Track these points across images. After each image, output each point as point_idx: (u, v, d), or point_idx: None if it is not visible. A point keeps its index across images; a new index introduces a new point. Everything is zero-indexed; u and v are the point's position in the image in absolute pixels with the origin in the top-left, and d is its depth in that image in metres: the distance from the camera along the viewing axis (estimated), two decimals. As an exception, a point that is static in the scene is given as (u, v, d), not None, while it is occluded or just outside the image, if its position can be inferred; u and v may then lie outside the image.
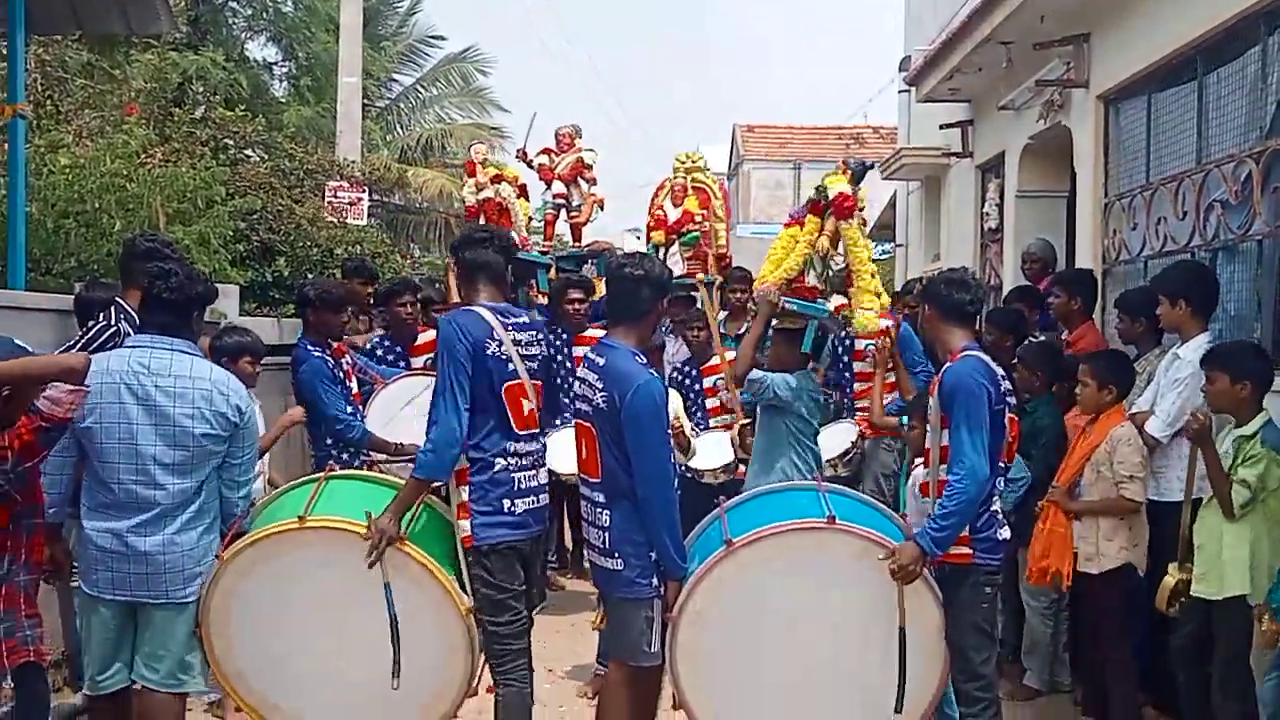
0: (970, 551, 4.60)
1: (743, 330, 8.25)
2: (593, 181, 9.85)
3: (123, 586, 4.36)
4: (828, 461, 6.57)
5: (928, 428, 4.90)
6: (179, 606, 4.43)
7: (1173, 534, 5.29)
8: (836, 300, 6.29)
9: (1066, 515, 5.67)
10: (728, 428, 7.11)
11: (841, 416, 7.30)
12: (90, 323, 5.65)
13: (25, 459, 3.85)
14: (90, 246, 8.01)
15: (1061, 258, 9.10)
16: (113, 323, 5.52)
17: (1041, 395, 6.35)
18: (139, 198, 8.22)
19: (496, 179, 9.22)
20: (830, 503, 4.65)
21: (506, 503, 4.64)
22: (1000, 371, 4.78)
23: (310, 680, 4.63)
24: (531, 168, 9.85)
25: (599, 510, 4.62)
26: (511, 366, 4.64)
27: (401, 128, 25.48)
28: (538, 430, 4.82)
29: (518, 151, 10.05)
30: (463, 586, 4.60)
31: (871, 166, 6.89)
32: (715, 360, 7.61)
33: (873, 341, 6.85)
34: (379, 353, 7.72)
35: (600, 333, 5.54)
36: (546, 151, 9.87)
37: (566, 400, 7.75)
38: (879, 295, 6.24)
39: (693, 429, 7.04)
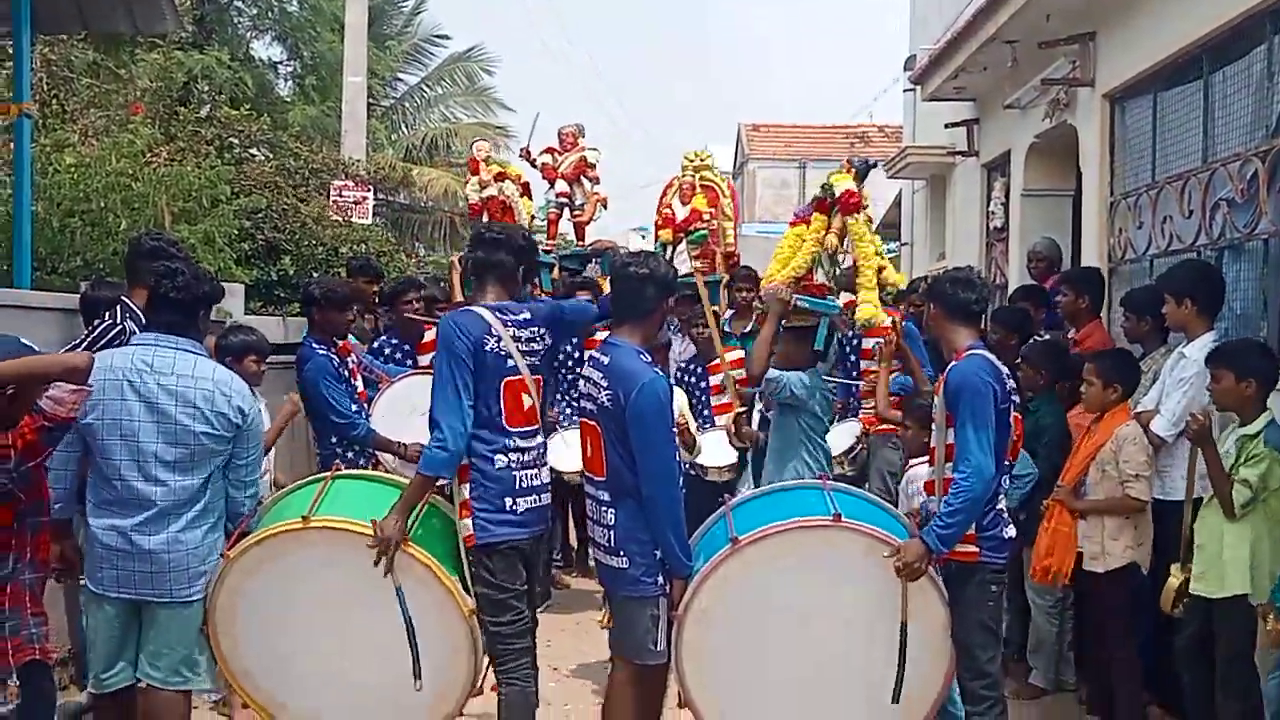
0: (977, 550, 4.59)
1: (749, 329, 8.26)
2: (596, 180, 9.86)
3: (127, 584, 4.37)
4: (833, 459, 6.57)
5: (933, 426, 4.90)
6: (183, 605, 4.44)
7: (1177, 533, 5.28)
8: (846, 297, 6.30)
9: (1072, 514, 5.68)
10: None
11: (848, 415, 7.30)
12: (96, 322, 5.65)
13: (28, 458, 3.86)
14: (96, 245, 8.01)
15: (1067, 257, 9.10)
16: (118, 321, 5.53)
17: (1044, 394, 6.34)
18: (144, 197, 8.22)
19: (500, 177, 9.23)
20: (836, 501, 4.65)
21: (508, 501, 4.63)
22: (1005, 370, 4.78)
23: (315, 680, 4.64)
24: (535, 167, 9.85)
25: (604, 509, 4.62)
26: (511, 362, 4.64)
27: (406, 127, 25.50)
28: (538, 427, 4.82)
29: (521, 151, 10.06)
30: (466, 587, 4.61)
31: (875, 165, 6.91)
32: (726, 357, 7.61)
33: (879, 340, 6.86)
34: (386, 351, 7.72)
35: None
36: (550, 151, 9.87)
37: (570, 399, 7.84)
38: (886, 286, 6.25)
39: (698, 427, 7.05)
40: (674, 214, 9.49)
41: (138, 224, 7.89)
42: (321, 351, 6.68)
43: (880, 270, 6.28)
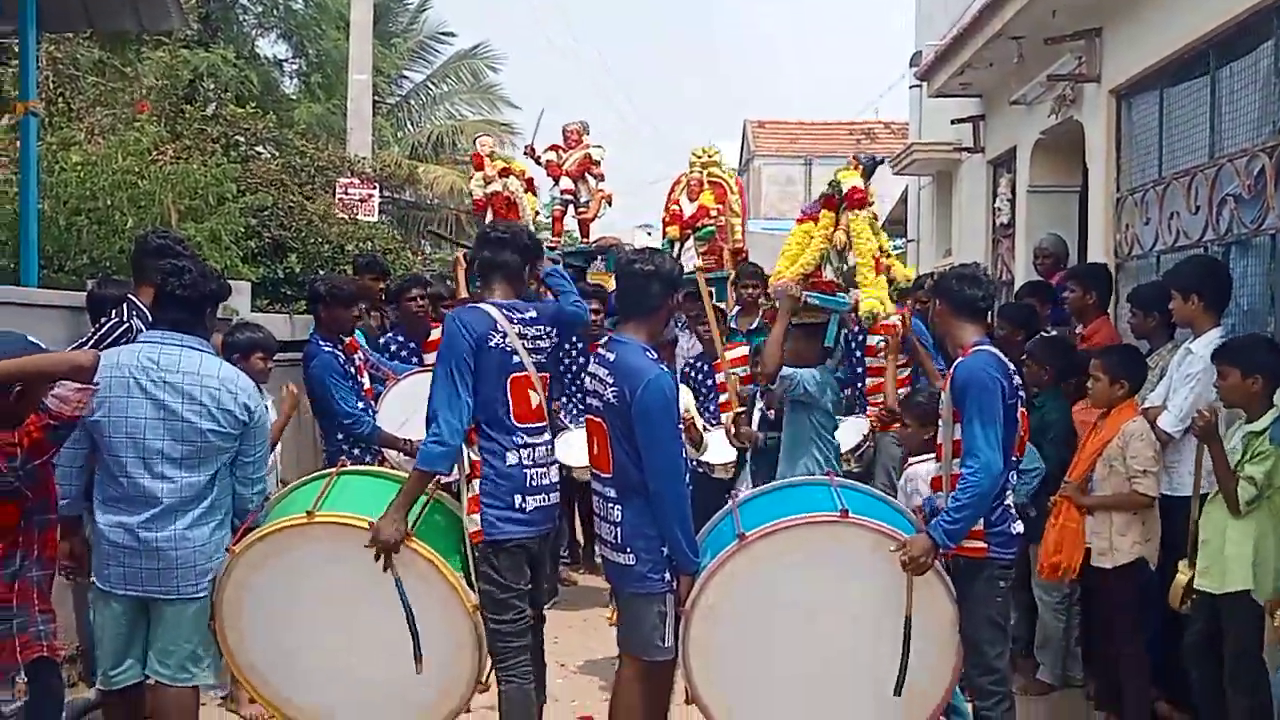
0: (985, 545, 4.59)
1: (754, 325, 8.26)
2: (600, 177, 9.87)
3: (134, 582, 4.38)
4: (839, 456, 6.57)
5: (940, 422, 4.90)
6: (190, 601, 4.45)
7: (1185, 529, 5.28)
8: (855, 294, 6.30)
9: (1079, 510, 5.67)
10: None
11: (854, 411, 7.29)
12: (102, 319, 5.67)
13: (34, 456, 3.86)
14: (102, 243, 8.02)
15: (1073, 253, 9.08)
16: (125, 319, 5.55)
17: (1048, 390, 6.34)
18: (151, 195, 8.23)
19: (504, 173, 9.24)
20: (843, 496, 4.65)
21: (517, 499, 4.65)
22: (1012, 366, 4.78)
23: (321, 675, 4.66)
24: (539, 164, 9.86)
25: (611, 505, 4.62)
26: (517, 359, 4.65)
27: (412, 124, 25.52)
28: (545, 424, 4.83)
29: (526, 148, 10.08)
30: (470, 583, 4.61)
31: (882, 161, 6.89)
32: (727, 355, 7.60)
33: (885, 336, 6.85)
34: (392, 348, 7.73)
35: None
36: (554, 148, 9.88)
37: (575, 397, 7.84)
38: (895, 282, 6.24)
39: (704, 424, 7.05)
40: (681, 211, 9.50)
41: (144, 222, 7.90)
42: (328, 349, 6.70)
43: (888, 268, 6.27)
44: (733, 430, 6.57)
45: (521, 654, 4.70)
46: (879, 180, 6.66)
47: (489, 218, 9.24)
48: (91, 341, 5.36)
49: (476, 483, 4.63)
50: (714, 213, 9.44)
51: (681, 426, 4.74)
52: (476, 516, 4.62)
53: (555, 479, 4.85)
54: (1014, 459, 4.76)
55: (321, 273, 9.90)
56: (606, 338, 4.87)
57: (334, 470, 5.02)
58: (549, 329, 4.83)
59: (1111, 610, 5.74)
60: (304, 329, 7.97)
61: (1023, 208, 10.47)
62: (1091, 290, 7.02)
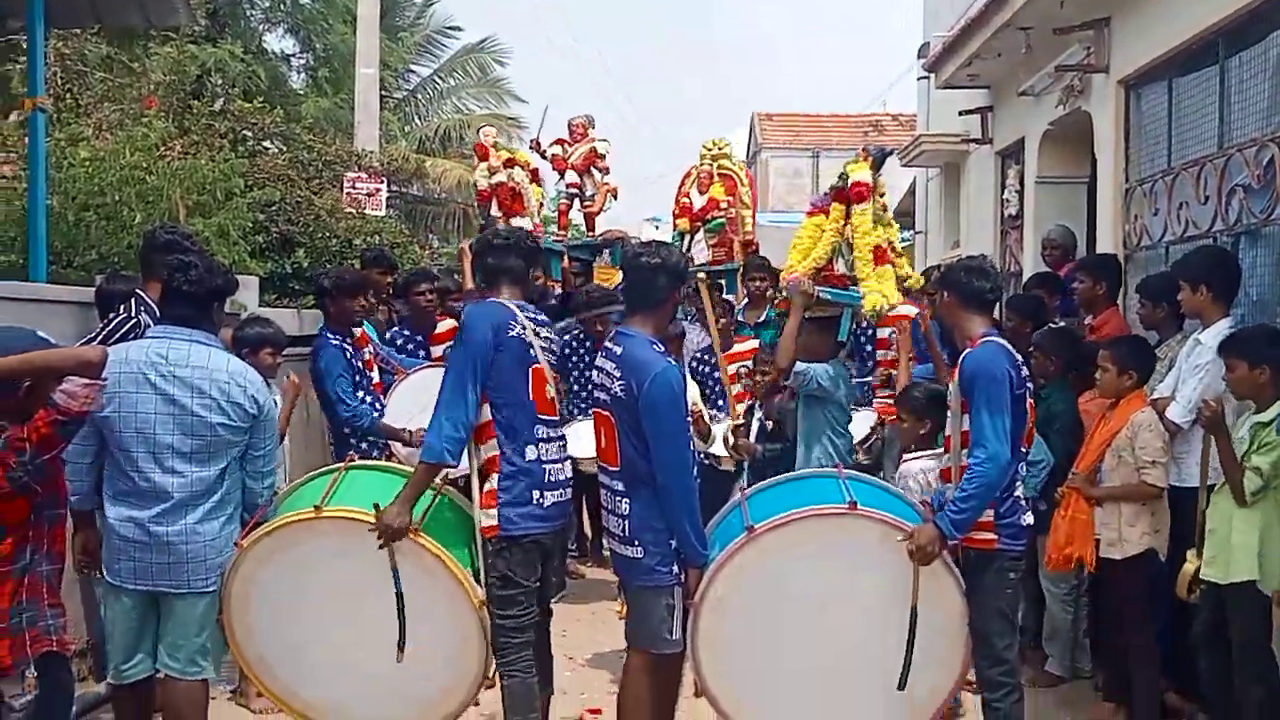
0: (995, 537, 4.59)
1: (762, 319, 8.25)
2: (606, 171, 9.85)
3: (145, 576, 4.40)
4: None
5: (948, 414, 4.89)
6: (200, 595, 4.47)
7: (1193, 520, 5.27)
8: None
9: (1088, 501, 5.66)
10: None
11: (862, 404, 7.28)
12: (110, 315, 5.68)
13: (43, 451, 3.87)
14: (111, 239, 8.02)
15: (1082, 244, 9.06)
16: (133, 315, 5.55)
17: (1054, 381, 6.32)
18: (159, 190, 8.23)
19: (509, 163, 9.21)
20: (851, 489, 4.65)
21: (535, 494, 4.66)
22: (1020, 357, 4.77)
23: (328, 669, 4.67)
24: (545, 158, 9.84)
25: (618, 498, 4.62)
26: (533, 352, 4.68)
27: (419, 118, 25.50)
28: (559, 419, 4.85)
29: (531, 142, 10.05)
30: (477, 578, 4.62)
31: (891, 153, 6.87)
32: (736, 348, 7.60)
33: (894, 329, 6.84)
34: (399, 342, 7.74)
35: None
36: (560, 142, 9.86)
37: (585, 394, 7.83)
38: (906, 278, 6.24)
39: (712, 416, 7.04)
40: (691, 203, 9.48)
41: (152, 217, 7.90)
42: (335, 342, 6.71)
43: (894, 261, 6.26)
44: (730, 441, 6.54)
45: (524, 649, 4.71)
46: (888, 172, 6.65)
47: (494, 208, 9.23)
48: (100, 337, 5.37)
49: (495, 477, 4.64)
50: (724, 205, 9.41)
51: (689, 419, 4.74)
52: (493, 511, 4.62)
53: (569, 474, 4.87)
54: (1023, 450, 4.75)
55: (329, 267, 9.90)
56: (614, 331, 4.88)
57: (342, 465, 5.04)
58: (553, 332, 4.88)
59: (1121, 601, 5.73)
60: (312, 324, 7.99)
61: (1031, 199, 10.45)
62: (1101, 281, 7.00)
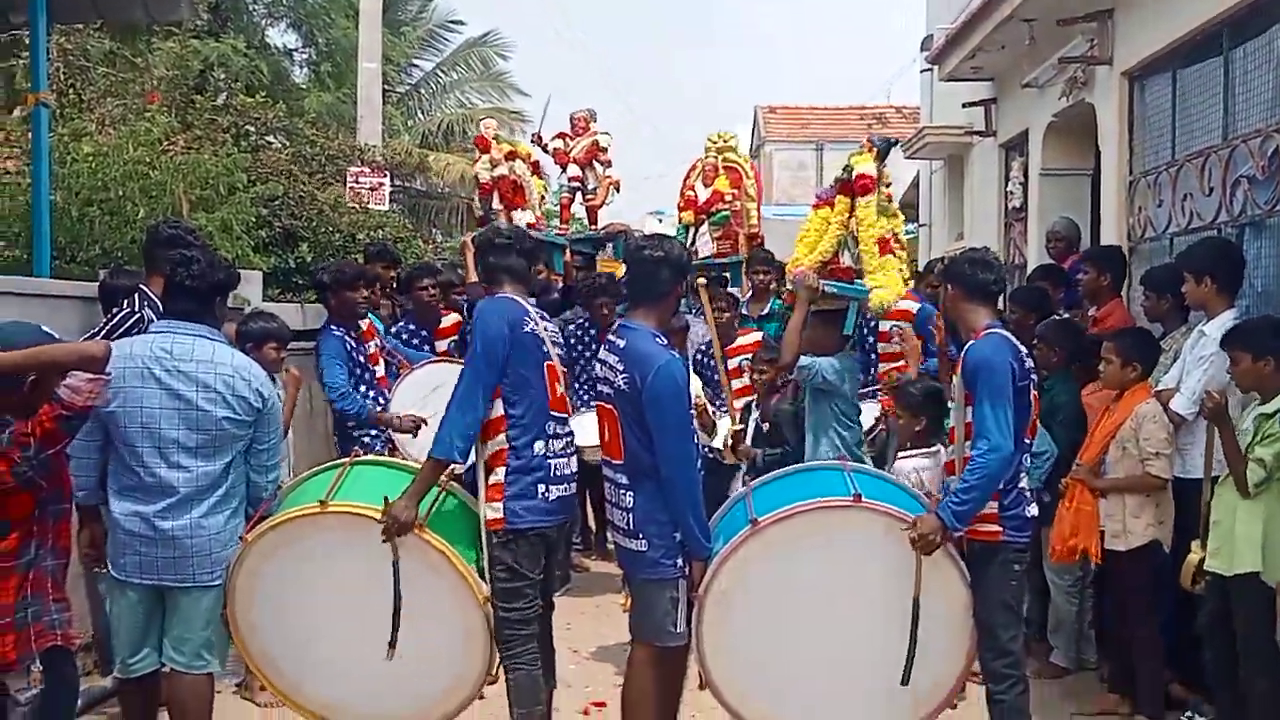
0: (999, 529, 4.58)
1: (765, 312, 8.25)
2: (608, 164, 9.85)
3: (150, 570, 4.41)
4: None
5: (950, 405, 4.89)
6: (206, 589, 4.48)
7: (1198, 511, 5.27)
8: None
9: (1092, 493, 5.66)
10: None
11: (866, 397, 7.27)
12: (114, 310, 5.69)
13: (47, 446, 3.88)
14: (114, 234, 8.03)
15: (1086, 236, 9.05)
16: (136, 309, 5.56)
17: (1057, 372, 6.31)
18: (162, 185, 8.24)
19: (511, 156, 9.20)
20: (856, 481, 4.65)
21: (541, 488, 4.66)
22: (1024, 349, 4.76)
23: (333, 664, 4.66)
24: (547, 152, 9.84)
25: (622, 492, 4.62)
26: (545, 348, 4.69)
27: (422, 113, 25.47)
28: (567, 415, 4.86)
29: (533, 136, 10.06)
30: (481, 573, 4.62)
31: (896, 143, 6.86)
32: (740, 340, 7.60)
33: (898, 323, 6.82)
34: (403, 336, 7.74)
35: None
36: (562, 135, 9.86)
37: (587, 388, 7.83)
38: (901, 272, 6.22)
39: (715, 410, 7.04)
40: (696, 196, 9.48)
41: (156, 212, 7.91)
42: (337, 333, 6.72)
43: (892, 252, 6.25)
44: (729, 446, 6.52)
45: (529, 642, 4.71)
46: (891, 164, 6.63)
47: (495, 201, 9.22)
48: (103, 332, 5.38)
49: (501, 470, 4.64)
50: (729, 197, 9.41)
51: (693, 412, 4.74)
52: (498, 504, 4.63)
53: (575, 469, 4.88)
54: (1027, 442, 4.75)
55: (332, 261, 9.91)
56: (617, 324, 4.87)
57: (347, 460, 5.04)
58: (557, 328, 4.89)
59: (1125, 593, 5.74)
60: (316, 318, 7.99)
61: (1035, 191, 10.43)
62: (1105, 272, 7.00)
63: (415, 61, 25.64)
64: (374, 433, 6.82)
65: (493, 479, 4.65)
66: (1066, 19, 8.56)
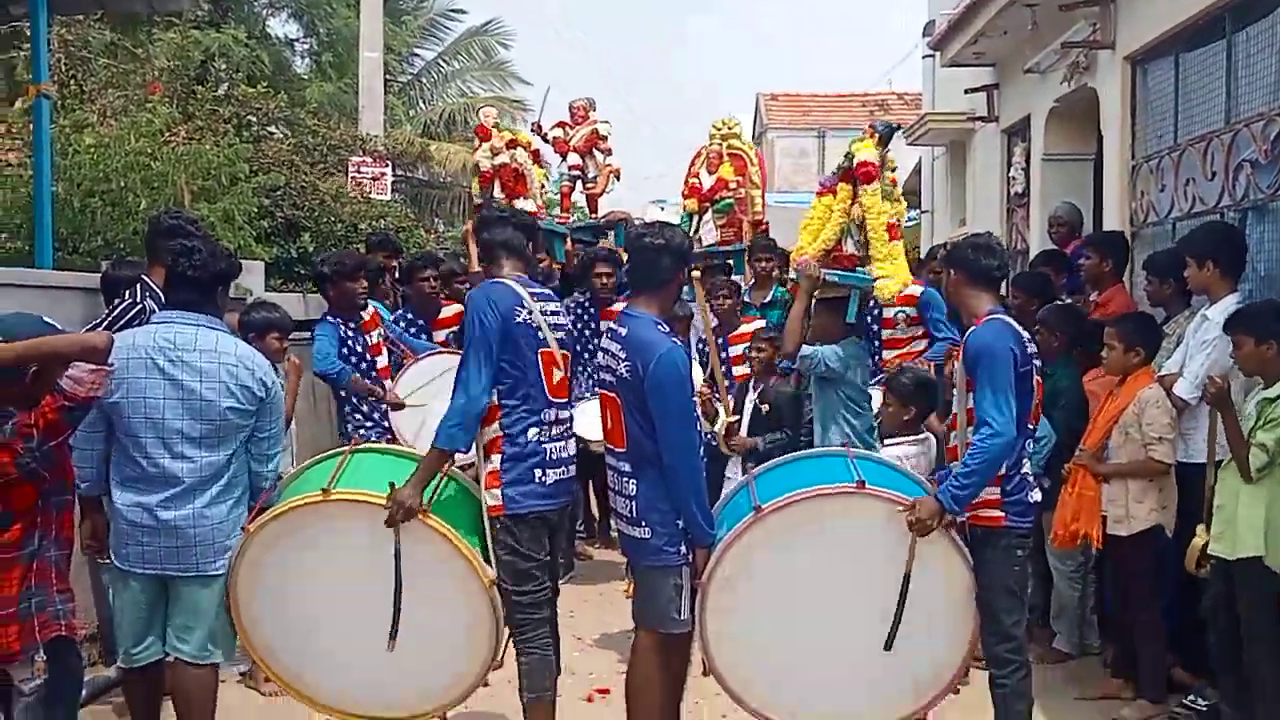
0: (1002, 514, 4.58)
1: (768, 299, 8.24)
2: (608, 153, 9.84)
3: (153, 560, 4.41)
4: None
5: (953, 393, 4.88)
6: (209, 579, 4.48)
7: (1201, 496, 5.27)
8: (873, 268, 6.26)
9: (1095, 478, 5.67)
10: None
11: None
12: (116, 301, 5.69)
13: (50, 437, 3.88)
14: (116, 225, 8.04)
15: (1088, 221, 9.03)
16: (138, 300, 5.57)
17: (1056, 358, 6.30)
18: (164, 176, 8.24)
19: (511, 144, 9.19)
20: (859, 468, 4.65)
21: (538, 473, 4.66)
22: (1026, 334, 4.76)
23: (336, 652, 4.66)
24: (546, 141, 9.83)
25: (625, 479, 4.62)
26: (541, 335, 4.66)
27: (424, 102, 25.46)
28: (567, 400, 4.84)
29: (533, 125, 10.05)
30: (486, 558, 4.62)
31: (898, 128, 6.84)
32: (742, 328, 7.60)
33: (903, 309, 6.82)
34: (402, 325, 7.75)
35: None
36: (561, 124, 9.85)
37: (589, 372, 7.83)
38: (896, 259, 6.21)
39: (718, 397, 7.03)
40: (700, 184, 9.47)
41: (157, 203, 7.91)
42: (333, 321, 6.75)
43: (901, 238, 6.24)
44: (723, 436, 6.47)
45: (541, 625, 4.72)
46: (894, 150, 6.62)
47: (496, 190, 9.21)
48: (105, 323, 5.38)
49: (496, 458, 4.64)
50: (733, 185, 9.40)
51: (696, 400, 4.74)
52: (497, 491, 4.63)
53: (573, 451, 4.87)
54: (1029, 427, 4.75)
55: (333, 252, 9.91)
56: (619, 312, 4.87)
57: (347, 448, 5.03)
58: (561, 308, 4.86)
59: (1127, 578, 5.75)
60: (318, 308, 8.00)
61: (1037, 176, 10.41)
62: (1108, 258, 6.99)
63: (416, 51, 25.63)
64: (370, 424, 6.83)
65: (490, 466, 4.66)
66: (1068, 4, 8.53)
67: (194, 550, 4.42)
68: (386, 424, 6.90)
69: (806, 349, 5.85)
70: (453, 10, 26.10)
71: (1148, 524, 5.56)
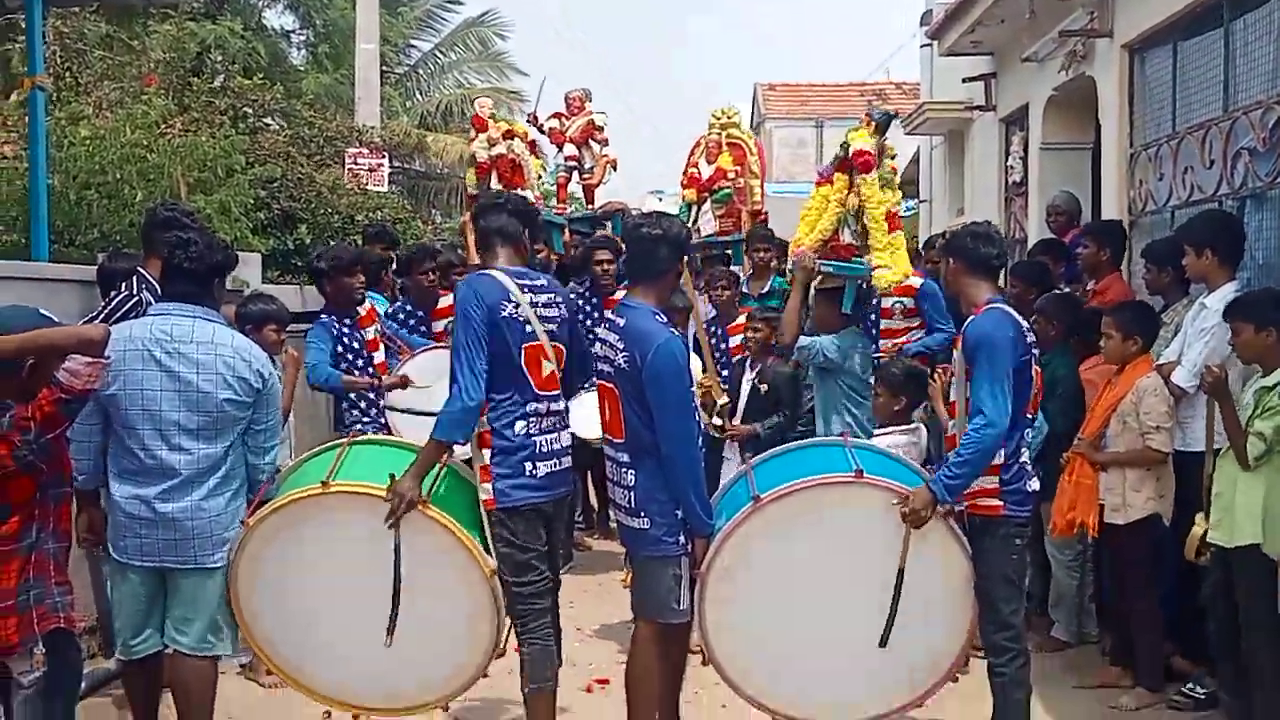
0: (1000, 503, 4.58)
1: (765, 289, 8.23)
2: (604, 143, 9.80)
3: (151, 552, 4.41)
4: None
5: (951, 380, 4.88)
6: (207, 572, 4.48)
7: (1199, 484, 5.27)
8: (871, 258, 6.26)
9: (1093, 466, 5.67)
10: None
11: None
12: (112, 293, 5.68)
13: (47, 430, 3.87)
14: (113, 217, 8.03)
15: (1087, 210, 9.02)
16: (135, 293, 5.56)
17: (1053, 347, 6.30)
18: (160, 168, 8.23)
19: (508, 135, 9.16)
20: (858, 457, 4.65)
21: (528, 465, 4.64)
22: (1025, 324, 4.75)
23: (337, 644, 4.66)
24: (542, 132, 9.79)
25: (624, 470, 4.62)
26: (530, 328, 4.63)
27: (420, 94, 25.39)
28: (558, 392, 4.81)
29: (529, 116, 10.01)
30: (487, 549, 4.61)
31: (895, 116, 6.84)
32: (741, 320, 7.58)
33: (900, 299, 6.81)
34: (400, 317, 7.73)
35: None
36: (557, 115, 9.82)
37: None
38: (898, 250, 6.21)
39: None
40: (699, 174, 9.44)
41: (154, 195, 7.90)
42: (326, 320, 6.71)
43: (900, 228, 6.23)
44: (714, 421, 6.45)
45: (543, 615, 4.71)
46: (892, 140, 6.61)
47: (494, 181, 9.17)
48: (102, 315, 5.37)
49: (486, 452, 4.63)
50: (731, 175, 9.37)
51: (694, 390, 4.73)
52: (489, 485, 4.62)
53: (567, 444, 4.84)
54: (1029, 417, 4.74)
55: (331, 244, 9.89)
56: (617, 303, 4.85)
57: (345, 440, 5.03)
58: (558, 298, 4.82)
59: (1124, 566, 5.75)
60: (315, 300, 7.98)
61: (1035, 165, 10.40)
62: (1105, 247, 7.00)
63: (413, 42, 25.57)
64: (367, 419, 6.81)
65: (482, 460, 4.65)
66: (1066, -8, 8.53)
67: (192, 543, 4.42)
68: (383, 420, 6.87)
69: (804, 339, 5.86)
70: (449, 1, 26.04)
71: (1145, 512, 5.56)
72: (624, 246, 5.53)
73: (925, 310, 6.96)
